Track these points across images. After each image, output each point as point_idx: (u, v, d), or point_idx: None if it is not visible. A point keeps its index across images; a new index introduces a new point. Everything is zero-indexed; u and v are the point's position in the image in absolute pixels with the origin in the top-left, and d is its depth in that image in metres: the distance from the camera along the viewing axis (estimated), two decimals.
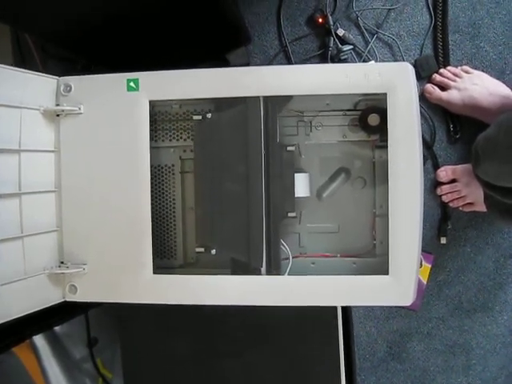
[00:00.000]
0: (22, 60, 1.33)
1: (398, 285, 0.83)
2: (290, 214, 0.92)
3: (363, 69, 0.84)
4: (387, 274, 0.83)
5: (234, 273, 0.91)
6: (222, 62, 1.28)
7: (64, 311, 1.14)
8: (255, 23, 1.35)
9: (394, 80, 0.83)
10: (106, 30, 1.06)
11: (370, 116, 0.91)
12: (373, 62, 1.30)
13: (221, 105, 0.93)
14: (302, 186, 0.93)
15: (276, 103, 0.89)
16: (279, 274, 0.89)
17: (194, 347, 1.12)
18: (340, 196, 0.97)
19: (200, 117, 0.94)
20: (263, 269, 0.88)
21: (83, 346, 1.29)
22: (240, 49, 1.31)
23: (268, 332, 1.09)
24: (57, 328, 1.22)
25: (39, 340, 1.18)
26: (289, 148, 0.93)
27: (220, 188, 0.92)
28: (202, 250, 0.95)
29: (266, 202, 0.88)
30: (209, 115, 0.93)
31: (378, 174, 0.95)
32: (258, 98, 0.87)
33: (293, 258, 0.94)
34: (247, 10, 1.34)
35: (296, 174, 0.92)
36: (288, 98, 0.91)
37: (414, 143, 0.83)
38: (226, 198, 0.92)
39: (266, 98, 0.87)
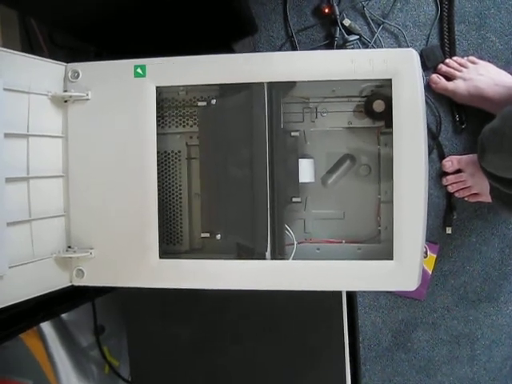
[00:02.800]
0: (31, 48, 1.34)
1: (402, 269, 0.84)
2: (294, 199, 0.93)
3: (368, 55, 0.84)
4: (392, 259, 0.84)
5: (238, 257, 0.92)
6: (229, 52, 1.29)
7: (71, 299, 1.15)
8: (262, 13, 1.35)
9: (399, 66, 0.84)
10: (113, 19, 1.06)
11: (375, 102, 0.92)
12: (381, 49, 1.30)
13: (225, 91, 0.93)
14: (306, 171, 0.93)
15: (280, 89, 0.90)
16: (284, 259, 0.90)
17: (200, 335, 1.12)
18: (345, 182, 0.97)
19: (205, 103, 0.95)
20: (268, 253, 0.89)
21: (90, 334, 1.30)
22: (246, 39, 1.31)
23: (272, 319, 1.10)
24: (64, 315, 1.23)
25: (46, 327, 1.19)
26: (293, 133, 0.94)
27: (225, 173, 0.93)
28: (208, 235, 0.96)
29: (271, 188, 0.88)
30: (213, 101, 0.94)
31: (383, 161, 0.95)
32: (262, 84, 0.87)
33: (298, 243, 0.95)
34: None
35: (300, 160, 0.93)
36: (292, 84, 0.91)
37: (418, 129, 0.83)
38: (230, 183, 0.93)
39: (270, 83, 0.87)
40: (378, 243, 0.95)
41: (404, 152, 0.83)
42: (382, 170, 0.95)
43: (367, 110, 0.94)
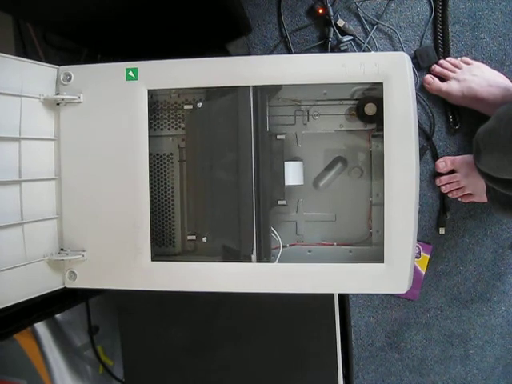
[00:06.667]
0: (24, 50, 1.34)
1: (392, 273, 0.84)
2: (280, 202, 0.94)
3: (359, 58, 0.84)
4: (382, 262, 0.84)
5: (225, 260, 0.93)
6: (223, 53, 1.29)
7: (65, 299, 1.16)
8: (256, 13, 1.35)
9: (390, 70, 0.84)
10: (106, 20, 1.07)
11: (366, 105, 0.92)
12: (372, 52, 1.30)
13: (212, 94, 0.93)
14: (293, 174, 0.94)
15: (266, 92, 0.90)
16: (269, 262, 0.90)
17: (193, 335, 1.13)
18: (337, 185, 0.98)
19: (191, 106, 0.95)
20: (254, 256, 0.89)
21: (84, 334, 1.30)
22: (240, 39, 1.31)
23: (265, 321, 1.10)
24: (58, 315, 1.23)
25: (41, 327, 1.19)
26: (279, 136, 0.94)
27: (211, 176, 0.93)
28: (194, 237, 0.97)
29: (256, 190, 0.89)
30: (199, 104, 0.94)
31: (374, 164, 0.95)
32: (247, 87, 0.87)
33: (290, 246, 0.95)
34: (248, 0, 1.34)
35: (286, 163, 0.93)
36: (278, 88, 0.91)
37: (409, 132, 0.83)
38: (216, 186, 0.93)
39: (255, 87, 0.88)
40: (369, 246, 0.95)
41: (395, 155, 0.83)
42: (374, 172, 0.95)
43: (359, 113, 0.94)
